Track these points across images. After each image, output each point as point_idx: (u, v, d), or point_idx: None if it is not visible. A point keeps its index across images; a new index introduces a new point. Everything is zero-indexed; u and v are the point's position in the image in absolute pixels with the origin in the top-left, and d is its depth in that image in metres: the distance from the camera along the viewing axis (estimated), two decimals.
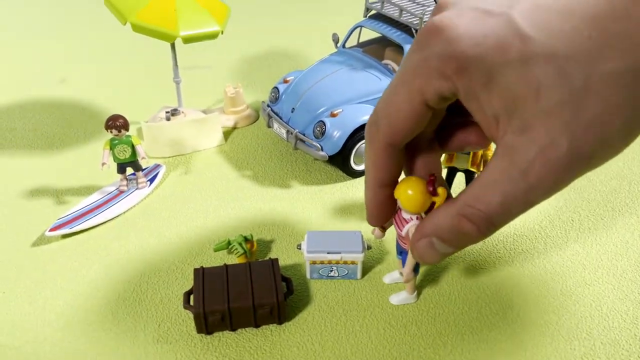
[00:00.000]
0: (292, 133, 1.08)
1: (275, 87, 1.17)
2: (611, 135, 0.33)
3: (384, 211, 0.46)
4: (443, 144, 0.44)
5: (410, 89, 0.36)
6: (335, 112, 1.06)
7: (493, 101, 0.34)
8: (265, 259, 0.84)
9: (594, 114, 0.32)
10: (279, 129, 1.13)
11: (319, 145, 1.06)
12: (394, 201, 0.46)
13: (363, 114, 1.06)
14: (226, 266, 0.82)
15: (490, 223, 0.36)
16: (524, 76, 0.33)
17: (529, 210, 0.35)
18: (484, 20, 0.33)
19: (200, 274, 0.81)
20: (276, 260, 0.83)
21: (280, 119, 1.13)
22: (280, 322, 0.79)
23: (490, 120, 0.35)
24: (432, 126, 0.41)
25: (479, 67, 0.34)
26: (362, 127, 1.07)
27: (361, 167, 1.12)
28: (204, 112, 1.29)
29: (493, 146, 0.95)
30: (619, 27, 0.31)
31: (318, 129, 1.06)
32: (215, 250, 0.89)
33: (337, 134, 1.05)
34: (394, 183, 0.45)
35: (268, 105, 1.17)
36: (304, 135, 1.08)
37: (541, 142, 0.33)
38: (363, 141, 1.08)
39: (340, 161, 1.09)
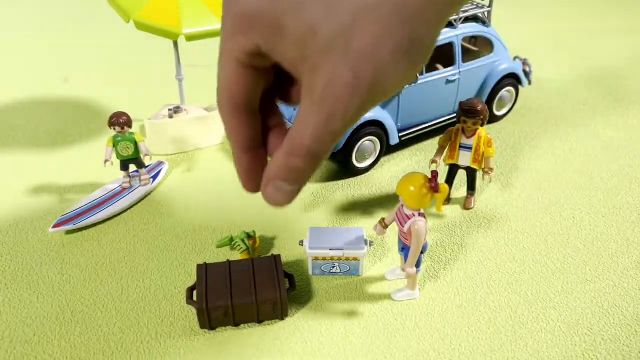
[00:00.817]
0: None
1: None
2: (386, 61, 0.35)
3: (253, 175, 0.45)
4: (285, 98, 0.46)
5: (225, 52, 0.39)
6: None
7: (287, 49, 0.37)
8: (268, 255, 0.85)
9: (364, 42, 0.35)
10: None
11: None
12: (262, 165, 0.44)
13: None
14: (229, 262, 0.82)
15: (312, 155, 0.39)
16: (300, 20, 0.36)
17: (339, 138, 0.37)
18: None
19: (204, 270, 0.81)
20: (279, 256, 0.84)
21: (283, 117, 1.13)
22: (282, 318, 0.80)
23: (293, 67, 0.38)
24: (268, 81, 0.42)
25: (265, 21, 0.37)
26: (364, 125, 1.07)
27: (363, 165, 1.12)
28: (207, 109, 1.29)
29: (492, 145, 0.95)
30: None
31: None
32: (218, 246, 0.90)
33: None
34: (257, 147, 0.44)
35: None
36: None
37: (327, 76, 0.36)
38: (365, 139, 1.08)
39: (342, 159, 1.09)
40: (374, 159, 1.13)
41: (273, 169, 0.41)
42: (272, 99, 0.43)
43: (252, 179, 0.45)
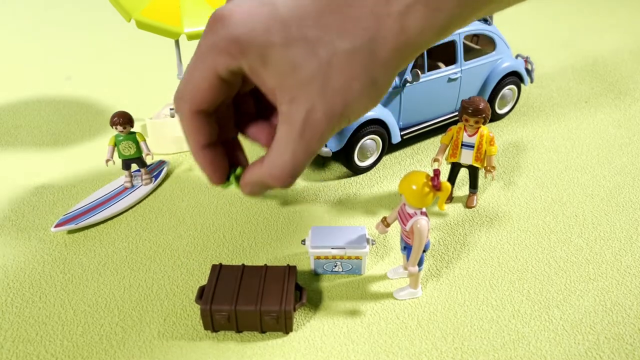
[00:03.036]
0: None
1: None
2: (353, 98, 0.44)
3: (216, 167, 0.54)
4: (243, 128, 0.56)
5: (205, 65, 0.45)
6: None
7: (269, 77, 0.43)
8: (284, 265, 0.82)
9: (338, 82, 0.43)
10: None
11: None
12: (223, 157, 0.54)
13: None
14: (243, 266, 0.82)
15: (289, 177, 0.48)
16: (285, 56, 0.42)
17: (311, 155, 0.46)
18: (258, 10, 0.42)
19: (217, 270, 0.81)
20: (294, 267, 0.82)
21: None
22: (286, 332, 0.78)
23: (271, 93, 0.44)
24: (231, 94, 0.50)
25: (255, 50, 0.43)
26: (365, 124, 1.07)
27: (365, 163, 1.12)
28: None
29: (494, 143, 0.95)
30: (353, 13, 0.41)
31: None
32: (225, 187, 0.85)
33: (341, 130, 1.05)
34: (214, 143, 0.53)
35: None
36: None
37: (306, 108, 0.43)
38: (366, 137, 1.08)
39: (344, 157, 1.09)
40: (375, 158, 1.12)
41: (251, 177, 0.50)
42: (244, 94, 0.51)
43: (215, 171, 0.54)
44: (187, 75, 0.47)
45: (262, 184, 0.50)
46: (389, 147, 1.14)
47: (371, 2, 0.43)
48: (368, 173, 1.12)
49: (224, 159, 0.56)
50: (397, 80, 1.09)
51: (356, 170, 1.11)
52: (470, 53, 1.23)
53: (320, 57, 0.43)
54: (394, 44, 0.44)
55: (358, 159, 1.10)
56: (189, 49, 1.52)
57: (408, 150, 1.20)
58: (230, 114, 0.56)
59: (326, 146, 1.06)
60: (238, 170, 0.61)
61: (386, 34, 0.44)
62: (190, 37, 1.06)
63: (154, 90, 1.45)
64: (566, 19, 1.95)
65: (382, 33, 0.44)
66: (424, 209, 0.76)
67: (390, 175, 1.12)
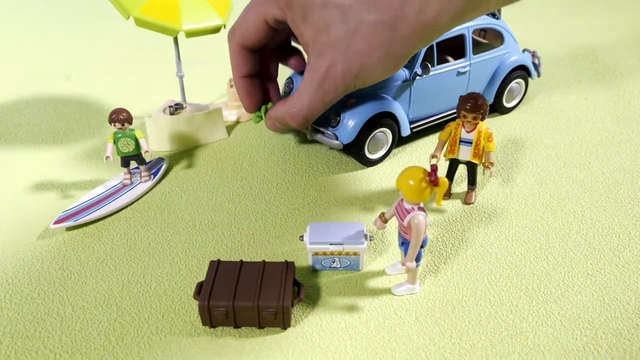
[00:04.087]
0: None
1: (290, 78, 1.17)
2: (370, 64, 0.52)
3: (250, 96, 0.65)
4: (283, 60, 0.68)
5: (257, 11, 0.55)
6: (349, 101, 1.07)
7: (307, 31, 0.51)
8: (282, 261, 0.83)
9: (360, 48, 0.50)
10: None
11: (334, 134, 1.07)
12: (258, 90, 0.66)
13: (378, 104, 1.07)
14: (242, 262, 0.82)
15: (303, 118, 0.59)
16: (322, 17, 0.50)
17: (325, 109, 0.57)
18: None
19: (215, 266, 0.81)
20: (292, 263, 0.82)
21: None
22: (284, 327, 0.78)
23: (305, 45, 0.53)
24: (277, 41, 0.62)
25: (299, 6, 0.51)
26: (377, 117, 1.07)
27: (375, 156, 1.13)
28: (207, 106, 1.29)
29: (492, 139, 0.95)
30: None
31: (333, 118, 1.07)
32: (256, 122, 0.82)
33: (352, 123, 1.05)
34: (253, 75, 0.63)
35: (283, 96, 1.18)
36: (319, 124, 1.09)
37: (328, 64, 0.52)
38: (377, 130, 1.09)
39: (355, 150, 1.10)
40: (386, 150, 1.13)
41: (274, 113, 0.61)
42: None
43: (248, 99, 0.65)
44: (242, 16, 0.57)
45: (282, 119, 0.60)
46: (398, 140, 1.16)
47: None
48: (366, 169, 1.12)
49: (259, 92, 0.66)
50: (407, 73, 1.11)
51: (366, 163, 1.13)
52: (478, 47, 1.24)
53: (350, 23, 0.50)
54: (414, 24, 0.49)
55: (368, 151, 1.11)
56: (188, 46, 1.52)
57: (406, 147, 1.20)
58: (274, 58, 0.66)
59: (337, 138, 1.07)
60: (269, 105, 0.70)
61: (408, 14, 0.49)
62: (189, 34, 1.07)
63: (153, 88, 1.45)
64: (565, 16, 1.95)
65: (405, 12, 0.49)
66: (421, 205, 0.76)
67: (389, 171, 1.12)
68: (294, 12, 0.51)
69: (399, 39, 0.51)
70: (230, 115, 1.28)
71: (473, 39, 1.23)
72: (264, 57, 0.63)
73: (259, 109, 0.66)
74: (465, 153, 0.99)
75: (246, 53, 0.59)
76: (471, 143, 0.97)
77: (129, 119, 1.00)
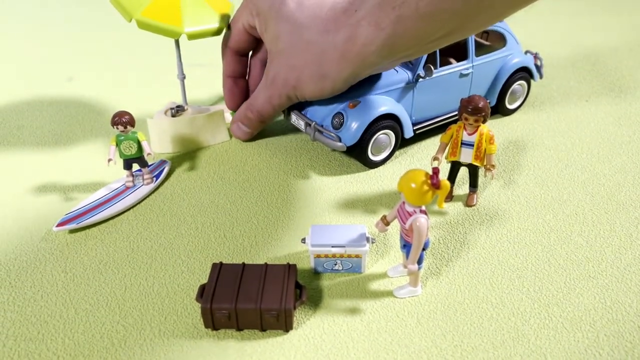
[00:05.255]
0: (310, 125, 1.09)
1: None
2: (303, 79, 0.61)
3: (232, 95, 0.76)
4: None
5: (238, 17, 0.63)
6: (353, 103, 1.07)
7: (266, 39, 0.59)
8: (284, 263, 0.83)
9: (295, 62, 0.58)
10: (297, 120, 1.14)
11: (337, 136, 1.07)
12: (240, 91, 0.76)
13: (381, 105, 1.07)
14: (244, 265, 0.82)
15: (259, 113, 0.69)
16: (275, 28, 0.57)
17: (276, 109, 0.69)
18: None
19: (217, 269, 0.81)
20: (294, 266, 0.82)
21: (299, 111, 1.14)
22: (287, 330, 0.78)
23: (267, 51, 0.60)
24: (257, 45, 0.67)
25: (262, 16, 0.59)
26: (380, 118, 1.08)
27: (379, 158, 1.13)
28: (209, 108, 1.30)
29: (494, 142, 0.95)
30: (331, 15, 0.55)
31: (336, 120, 1.07)
32: None
33: (356, 125, 1.06)
34: (238, 76, 0.73)
35: None
36: (322, 126, 1.09)
37: (274, 71, 0.59)
38: (381, 132, 1.10)
39: (358, 152, 1.10)
40: (389, 152, 1.14)
41: (238, 114, 0.71)
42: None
43: (231, 98, 0.76)
44: (231, 23, 0.68)
45: (243, 115, 0.69)
46: (402, 142, 1.16)
47: (340, 11, 0.54)
48: (368, 172, 1.12)
49: (241, 92, 0.75)
50: (409, 75, 1.11)
51: (370, 165, 1.13)
52: (480, 49, 1.25)
53: (293, 38, 0.57)
54: (342, 50, 0.56)
55: (372, 153, 1.11)
56: (189, 48, 1.53)
57: (408, 149, 1.20)
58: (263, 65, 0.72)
59: (340, 140, 1.07)
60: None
61: (338, 40, 0.56)
62: (191, 36, 1.07)
63: (155, 90, 1.45)
64: (567, 17, 1.95)
65: (336, 38, 0.56)
66: (423, 207, 0.76)
67: (390, 173, 1.12)
68: (260, 21, 0.59)
69: (327, 62, 0.57)
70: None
71: (475, 40, 1.24)
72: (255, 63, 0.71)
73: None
74: (466, 155, 0.99)
75: (233, 55, 0.68)
76: (473, 145, 0.97)
77: (131, 122, 1.01)
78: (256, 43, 0.65)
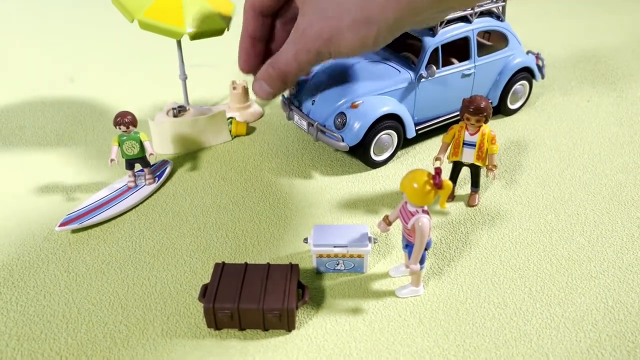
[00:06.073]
0: (313, 125, 1.10)
1: None
2: (341, 28, 0.54)
3: (247, 56, 0.65)
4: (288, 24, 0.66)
5: None
6: (355, 103, 1.08)
7: None
8: (286, 263, 0.83)
9: (333, 12, 0.53)
10: (299, 121, 1.14)
11: (340, 136, 1.07)
12: (257, 53, 0.65)
13: (383, 105, 1.08)
14: (246, 265, 0.82)
15: (282, 71, 0.59)
16: None
17: (301, 68, 0.58)
18: None
19: (220, 269, 0.81)
20: (296, 266, 0.82)
21: (301, 111, 1.14)
22: (289, 330, 0.78)
23: (298, 6, 0.56)
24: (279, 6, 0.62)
25: None
26: (382, 118, 1.08)
27: (381, 158, 1.13)
28: (210, 109, 1.30)
29: (495, 142, 0.96)
30: None
31: (339, 120, 1.08)
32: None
33: (358, 125, 1.06)
34: (257, 38, 0.64)
35: (288, 98, 1.19)
36: (324, 127, 1.09)
37: (306, 24, 0.55)
38: (383, 132, 1.10)
39: (361, 152, 1.10)
40: (391, 152, 1.14)
41: (260, 72, 0.62)
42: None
43: (246, 60, 0.66)
44: None
45: (268, 76, 0.61)
46: (404, 142, 1.16)
47: None
48: (370, 172, 1.13)
49: (256, 56, 0.68)
50: (412, 75, 1.11)
51: (372, 165, 1.13)
52: (483, 49, 1.25)
53: None
54: None
55: (374, 153, 1.12)
56: (191, 49, 1.53)
57: (410, 150, 1.20)
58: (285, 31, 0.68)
59: (343, 140, 1.07)
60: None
61: None
62: (193, 37, 1.07)
63: (157, 91, 1.45)
64: (569, 18, 1.95)
65: None
66: (425, 207, 0.76)
67: (392, 173, 1.12)
68: None
69: (375, 4, 0.51)
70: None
71: (477, 41, 1.24)
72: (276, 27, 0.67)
73: (252, 73, 0.69)
74: (468, 155, 0.99)
75: (255, 15, 0.62)
76: (474, 145, 0.97)
77: (133, 122, 1.01)
78: (283, 2, 0.62)
